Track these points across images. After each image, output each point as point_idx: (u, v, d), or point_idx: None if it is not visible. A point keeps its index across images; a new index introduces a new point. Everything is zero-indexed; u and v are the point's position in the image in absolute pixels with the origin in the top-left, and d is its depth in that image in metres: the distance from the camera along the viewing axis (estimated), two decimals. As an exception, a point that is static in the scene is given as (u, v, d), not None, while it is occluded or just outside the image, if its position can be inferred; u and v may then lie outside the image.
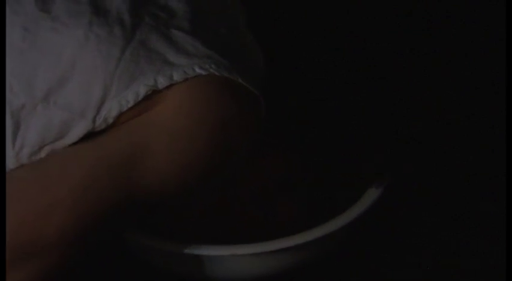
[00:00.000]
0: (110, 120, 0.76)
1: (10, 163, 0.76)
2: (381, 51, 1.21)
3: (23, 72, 0.76)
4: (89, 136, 0.77)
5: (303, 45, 1.20)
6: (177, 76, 0.76)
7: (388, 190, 0.92)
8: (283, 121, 0.99)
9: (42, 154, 0.76)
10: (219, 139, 0.77)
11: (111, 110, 0.75)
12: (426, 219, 1.04)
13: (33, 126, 0.76)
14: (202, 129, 0.76)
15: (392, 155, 0.99)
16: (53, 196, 0.72)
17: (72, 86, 0.75)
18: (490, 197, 1.05)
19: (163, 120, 0.76)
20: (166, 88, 0.75)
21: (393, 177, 0.94)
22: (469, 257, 1.00)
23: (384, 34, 1.22)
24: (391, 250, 1.00)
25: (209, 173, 0.78)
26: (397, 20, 1.23)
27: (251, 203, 0.90)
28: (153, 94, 0.75)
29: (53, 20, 0.77)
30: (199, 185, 0.79)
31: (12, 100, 0.75)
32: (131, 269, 0.94)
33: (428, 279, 0.97)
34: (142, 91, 0.75)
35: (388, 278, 0.98)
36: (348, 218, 0.88)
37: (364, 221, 0.90)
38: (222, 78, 0.77)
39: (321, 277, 0.95)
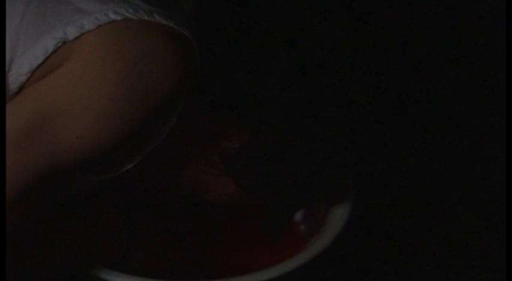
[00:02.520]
0: (23, 78, 0.71)
1: None
2: (378, 50, 1.21)
3: None
4: None
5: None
6: (88, 24, 0.71)
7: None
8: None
9: None
10: (132, 82, 0.71)
11: (22, 66, 0.71)
12: (426, 219, 1.05)
13: None
14: (112, 73, 0.71)
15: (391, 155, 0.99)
16: None
17: None
18: (490, 196, 1.05)
19: (71, 73, 0.71)
20: (78, 39, 0.71)
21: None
22: (469, 257, 1.00)
23: (382, 32, 1.22)
24: (391, 251, 1.00)
25: (129, 121, 0.72)
26: (395, 18, 1.23)
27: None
28: (65, 47, 0.71)
29: None
30: (126, 137, 0.73)
31: None
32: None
33: (428, 279, 0.98)
34: (50, 45, 0.71)
35: (388, 277, 0.98)
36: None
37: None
38: (142, 22, 0.73)
39: (320, 275, 0.95)
